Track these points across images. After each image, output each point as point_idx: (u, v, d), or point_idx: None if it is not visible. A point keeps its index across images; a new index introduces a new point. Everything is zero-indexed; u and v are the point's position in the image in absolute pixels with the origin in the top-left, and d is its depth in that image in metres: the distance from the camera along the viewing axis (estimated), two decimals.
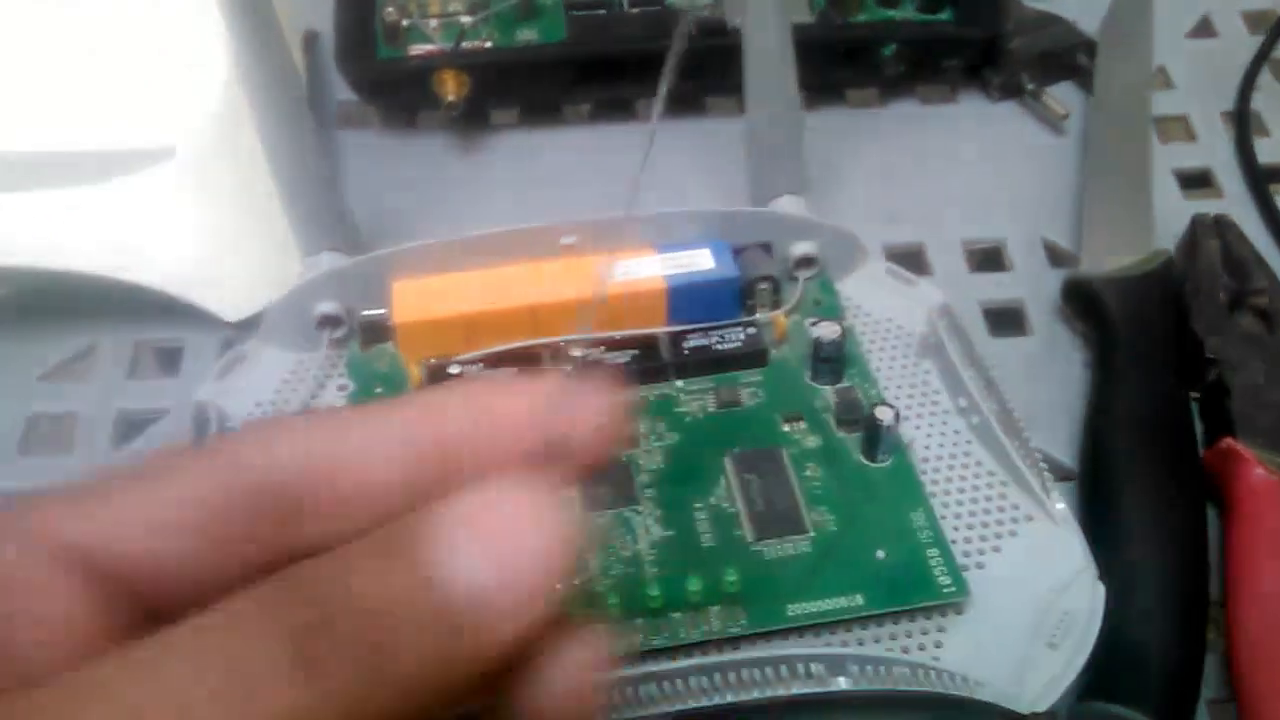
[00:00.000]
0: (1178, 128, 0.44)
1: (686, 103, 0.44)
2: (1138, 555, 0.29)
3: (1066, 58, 0.44)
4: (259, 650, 0.13)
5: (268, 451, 0.16)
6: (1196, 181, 0.43)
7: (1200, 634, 0.29)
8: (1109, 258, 0.37)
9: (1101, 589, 0.29)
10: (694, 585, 0.27)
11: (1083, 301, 0.36)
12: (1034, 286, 0.38)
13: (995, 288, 0.39)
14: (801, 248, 0.35)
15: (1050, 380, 0.36)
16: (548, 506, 0.15)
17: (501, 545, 0.15)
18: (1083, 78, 0.45)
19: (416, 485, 0.16)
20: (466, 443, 0.17)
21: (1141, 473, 0.31)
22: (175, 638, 0.13)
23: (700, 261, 0.34)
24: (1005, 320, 0.38)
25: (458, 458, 0.17)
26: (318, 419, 0.18)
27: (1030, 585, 0.29)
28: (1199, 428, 0.34)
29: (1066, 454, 0.34)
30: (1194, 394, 0.34)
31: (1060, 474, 0.33)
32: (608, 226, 0.34)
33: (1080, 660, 0.27)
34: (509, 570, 0.15)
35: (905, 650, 0.27)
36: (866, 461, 0.31)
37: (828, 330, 0.32)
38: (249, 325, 0.35)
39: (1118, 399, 0.33)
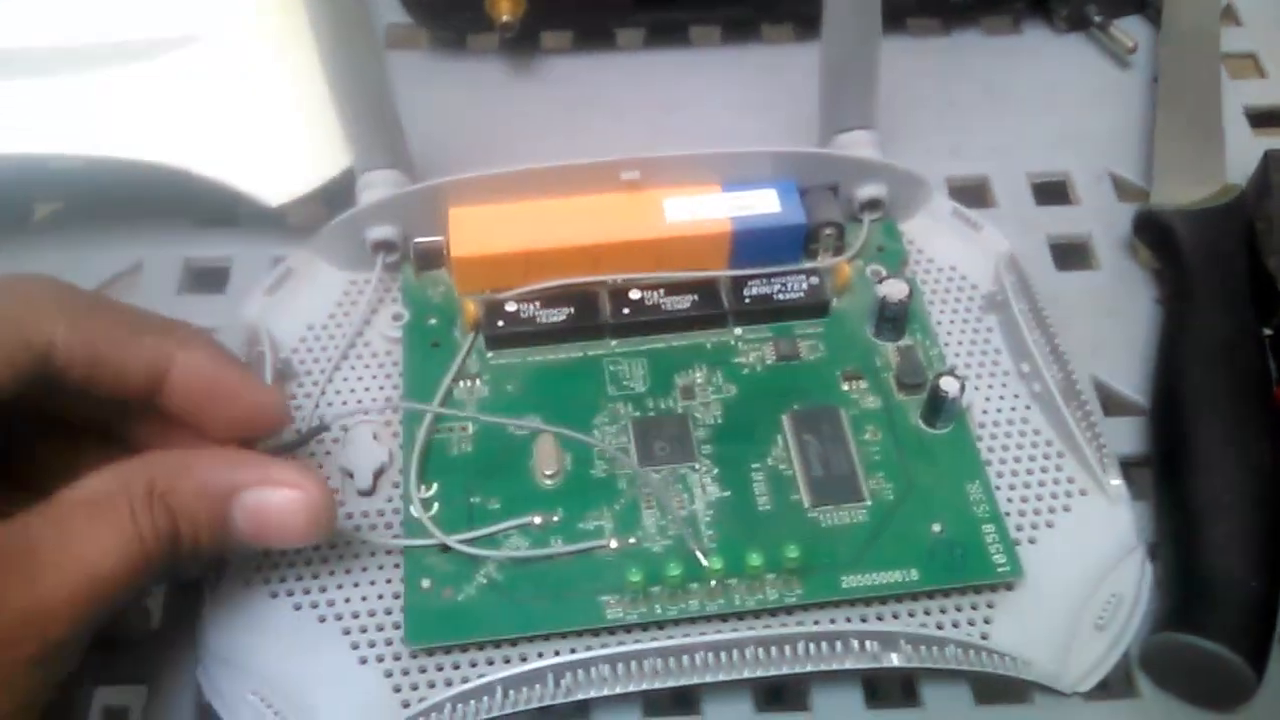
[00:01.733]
0: (1246, 65, 0.43)
1: (743, 30, 0.43)
2: (1214, 487, 0.29)
3: None
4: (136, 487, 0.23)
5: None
6: (1266, 119, 0.41)
7: (1277, 565, 0.28)
8: (1180, 192, 0.36)
9: (1150, 570, 0.29)
10: (754, 559, 0.27)
11: (1155, 235, 0.35)
12: (1102, 220, 0.38)
13: (1062, 221, 0.38)
14: (869, 190, 0.34)
15: (1118, 315, 0.35)
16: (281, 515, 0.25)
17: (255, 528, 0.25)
18: (1149, 11, 0.43)
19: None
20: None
21: (1218, 405, 0.31)
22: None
23: (766, 203, 0.33)
24: (1072, 254, 0.37)
25: None
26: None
27: (1080, 563, 0.29)
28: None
29: (1133, 389, 0.34)
30: (1267, 331, 0.34)
31: (1127, 409, 0.33)
32: (671, 162, 0.33)
33: (1125, 643, 0.28)
34: (249, 535, 0.25)
35: (955, 625, 0.28)
36: (925, 427, 0.31)
37: (895, 289, 0.31)
38: (298, 242, 0.34)
39: (1192, 331, 0.33)
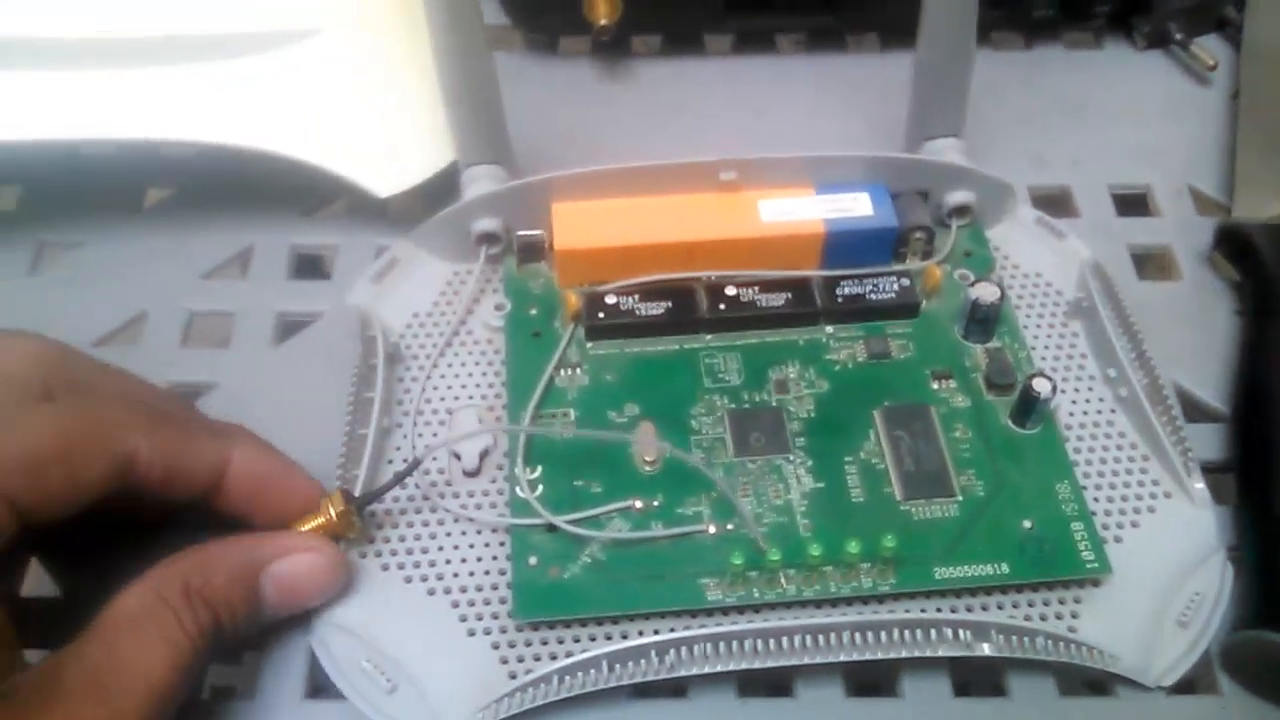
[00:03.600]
0: None
1: (828, 38, 0.44)
2: None
3: (1214, 10, 0.44)
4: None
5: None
6: None
7: None
8: (1261, 206, 0.37)
9: (1230, 571, 0.30)
10: (853, 548, 0.28)
11: (1236, 248, 0.36)
12: (1182, 233, 0.38)
13: (1143, 232, 0.39)
14: (958, 196, 0.35)
15: (1199, 324, 0.36)
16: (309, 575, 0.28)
17: (287, 593, 0.28)
18: (1230, 31, 0.44)
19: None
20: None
21: None
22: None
23: (859, 206, 0.34)
24: (1152, 265, 0.38)
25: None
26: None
27: (1164, 562, 0.30)
28: None
29: (1214, 396, 0.34)
30: None
31: (1207, 415, 0.34)
32: (768, 164, 0.34)
33: (1206, 640, 0.29)
34: (282, 603, 0.28)
35: (1044, 618, 0.29)
36: (1015, 427, 0.31)
37: (986, 292, 0.32)
38: (400, 231, 0.35)
39: (1276, 340, 0.33)
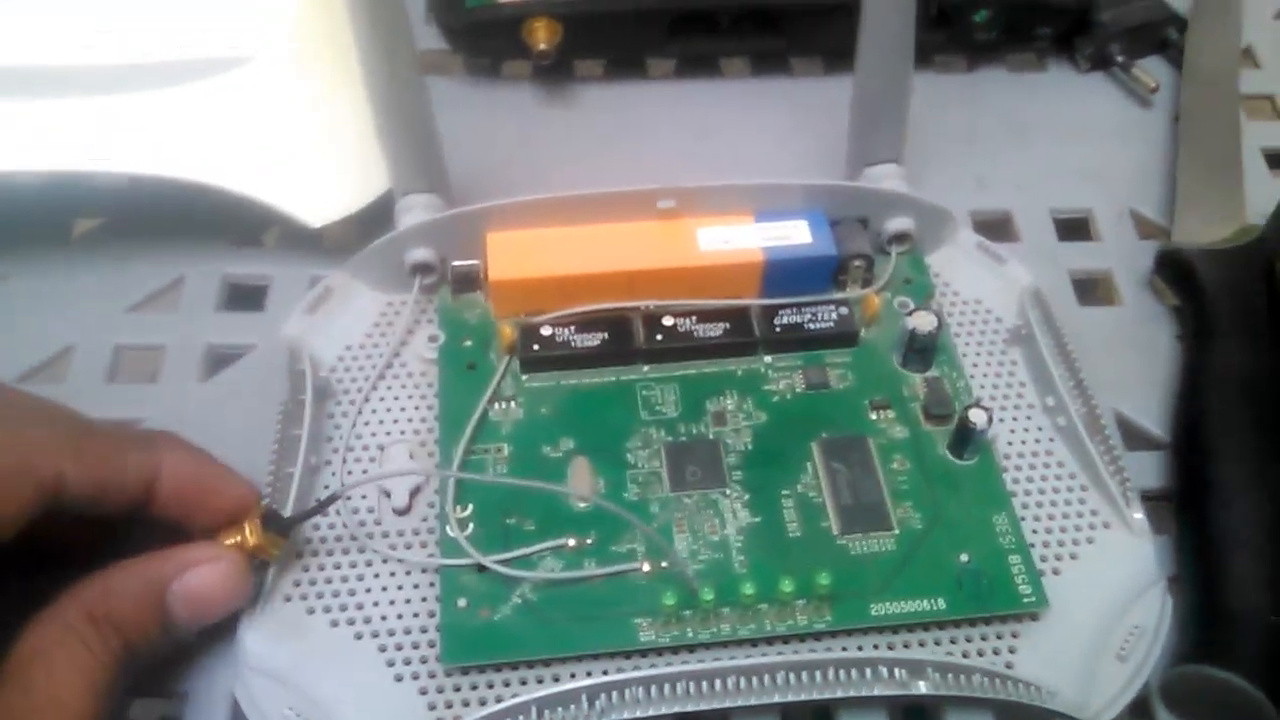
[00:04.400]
0: (1264, 107, 0.44)
1: (772, 63, 0.44)
2: (1235, 521, 0.30)
3: (1157, 32, 0.44)
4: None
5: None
6: None
7: None
8: (1201, 231, 0.37)
9: (1170, 603, 0.29)
10: (787, 585, 0.28)
11: (1176, 272, 0.36)
12: (1123, 257, 0.38)
13: (1084, 257, 0.39)
14: (898, 223, 0.35)
15: (1139, 350, 0.36)
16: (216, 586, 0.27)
17: (196, 606, 0.27)
18: (1172, 53, 0.44)
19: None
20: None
21: (1239, 440, 0.32)
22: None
23: (798, 234, 0.34)
24: (1093, 290, 0.38)
25: None
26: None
27: (1103, 595, 0.29)
28: None
29: (1154, 423, 0.34)
30: None
31: (1147, 443, 0.34)
32: (706, 192, 0.33)
33: (1145, 674, 0.28)
34: (191, 617, 0.27)
35: (981, 654, 0.28)
36: (953, 458, 0.31)
37: (924, 321, 0.32)
38: (335, 262, 0.35)
39: (1214, 367, 0.33)
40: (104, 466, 0.26)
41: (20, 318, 0.35)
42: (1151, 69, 0.43)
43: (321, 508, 0.29)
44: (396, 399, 0.33)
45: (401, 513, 0.30)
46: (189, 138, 0.35)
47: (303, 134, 0.36)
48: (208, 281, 0.36)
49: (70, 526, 0.27)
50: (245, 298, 0.36)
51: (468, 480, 0.30)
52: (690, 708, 0.27)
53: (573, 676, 0.28)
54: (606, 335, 0.33)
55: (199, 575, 0.27)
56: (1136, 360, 0.35)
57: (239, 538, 0.28)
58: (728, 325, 0.33)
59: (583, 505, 0.30)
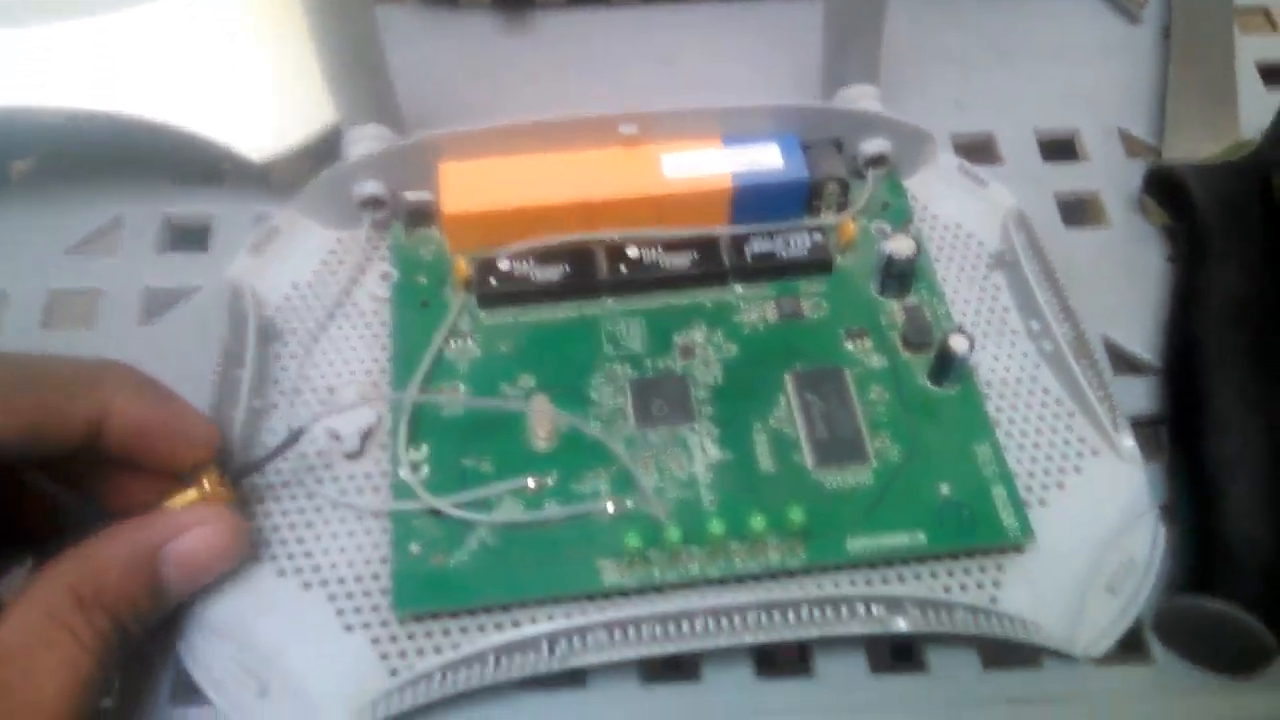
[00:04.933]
0: (1258, 20, 0.42)
1: None
2: (1231, 447, 0.28)
3: None
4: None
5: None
6: (1279, 74, 0.40)
7: None
8: (1193, 147, 0.35)
9: (1163, 532, 0.28)
10: (757, 522, 0.26)
11: (1167, 190, 0.35)
12: (1111, 177, 0.37)
13: (1070, 178, 0.37)
14: (873, 146, 0.33)
15: (1128, 273, 0.34)
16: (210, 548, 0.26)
17: (190, 572, 0.26)
18: None
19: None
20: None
21: (1234, 362, 0.30)
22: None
23: (768, 158, 0.32)
24: (1080, 212, 0.37)
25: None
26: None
27: (1092, 525, 0.28)
28: None
29: (1144, 348, 0.33)
30: None
31: (1137, 368, 0.32)
32: (670, 117, 0.32)
33: (1138, 607, 0.27)
34: (185, 583, 0.26)
35: (964, 589, 0.27)
36: (933, 387, 0.30)
37: (901, 246, 0.30)
38: (282, 199, 0.33)
39: (1207, 288, 0.32)
40: (41, 416, 0.24)
41: None
42: None
43: (283, 449, 0.27)
44: (347, 339, 0.31)
45: (353, 456, 0.29)
46: (126, 70, 0.33)
47: (244, 64, 0.34)
48: (148, 222, 0.34)
49: (23, 499, 0.26)
50: (187, 238, 0.35)
51: (427, 408, 0.29)
52: (657, 651, 0.25)
53: (533, 622, 0.26)
54: (567, 268, 0.31)
55: (194, 538, 0.25)
56: (1125, 283, 0.34)
57: (193, 493, 0.26)
58: (695, 255, 0.31)
59: (544, 444, 0.28)
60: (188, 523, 0.25)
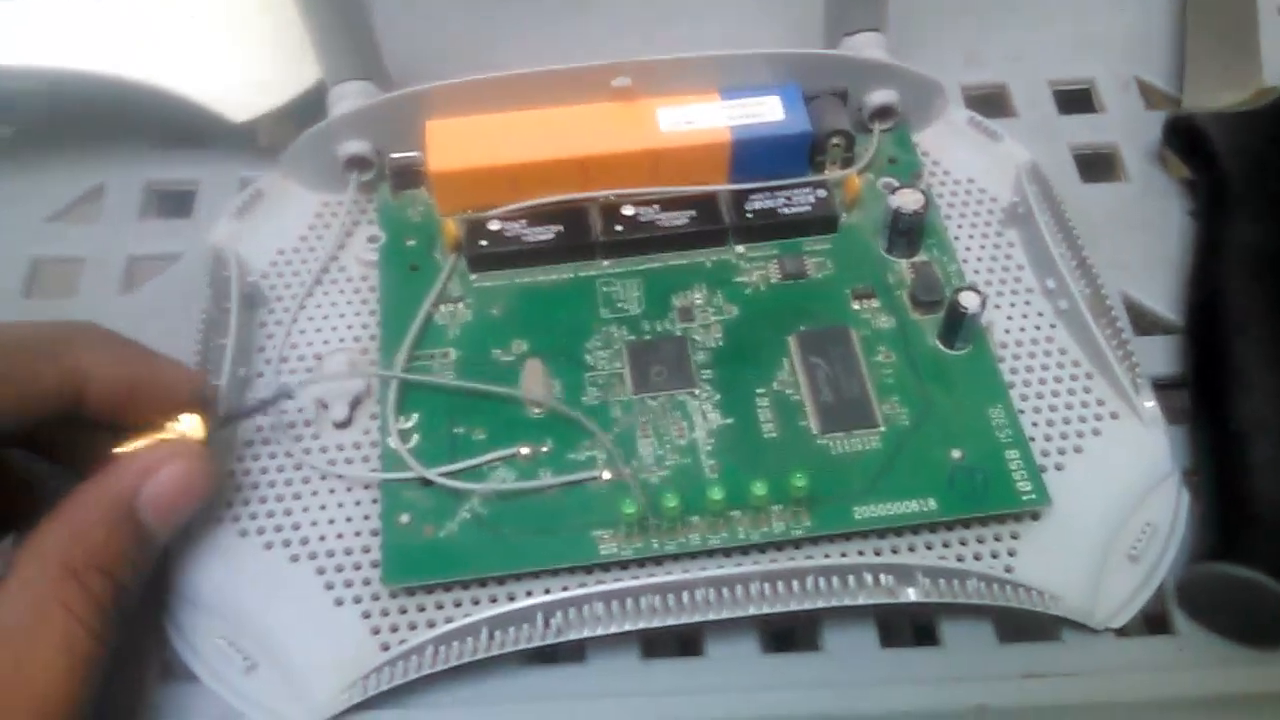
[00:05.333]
0: None
1: None
2: (1258, 407, 0.27)
3: None
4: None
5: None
6: None
7: None
8: (1214, 96, 0.34)
9: (1186, 497, 0.27)
10: (759, 489, 0.25)
11: (1188, 141, 0.33)
12: (1129, 129, 0.35)
13: (1086, 130, 0.35)
14: (880, 96, 0.32)
15: (1148, 228, 0.33)
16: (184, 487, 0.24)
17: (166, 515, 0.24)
18: None
19: None
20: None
21: (1260, 319, 0.28)
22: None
23: (769, 110, 0.30)
24: (1098, 165, 0.35)
25: None
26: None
27: (1112, 490, 0.27)
28: None
29: (1165, 306, 0.31)
30: None
31: (1158, 327, 0.31)
32: (666, 67, 0.30)
33: (1160, 575, 0.26)
34: (166, 526, 0.24)
35: (978, 558, 0.26)
36: (944, 348, 0.28)
37: (909, 200, 0.29)
38: (267, 164, 0.32)
39: (1231, 242, 0.30)
40: (15, 387, 0.23)
41: None
42: None
43: (270, 402, 0.26)
44: (334, 305, 0.30)
45: (341, 425, 0.28)
46: (106, 29, 0.32)
47: (224, 21, 0.33)
48: (130, 188, 0.33)
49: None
50: (171, 204, 0.33)
51: (413, 381, 0.28)
52: (656, 624, 0.24)
53: (528, 595, 0.25)
54: (561, 228, 0.30)
55: (165, 478, 0.24)
56: (1145, 238, 0.32)
57: (181, 433, 0.25)
58: (694, 213, 0.30)
59: (537, 411, 0.27)
60: (155, 463, 0.24)
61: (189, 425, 0.25)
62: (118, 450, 0.24)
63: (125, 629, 0.23)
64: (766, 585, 0.25)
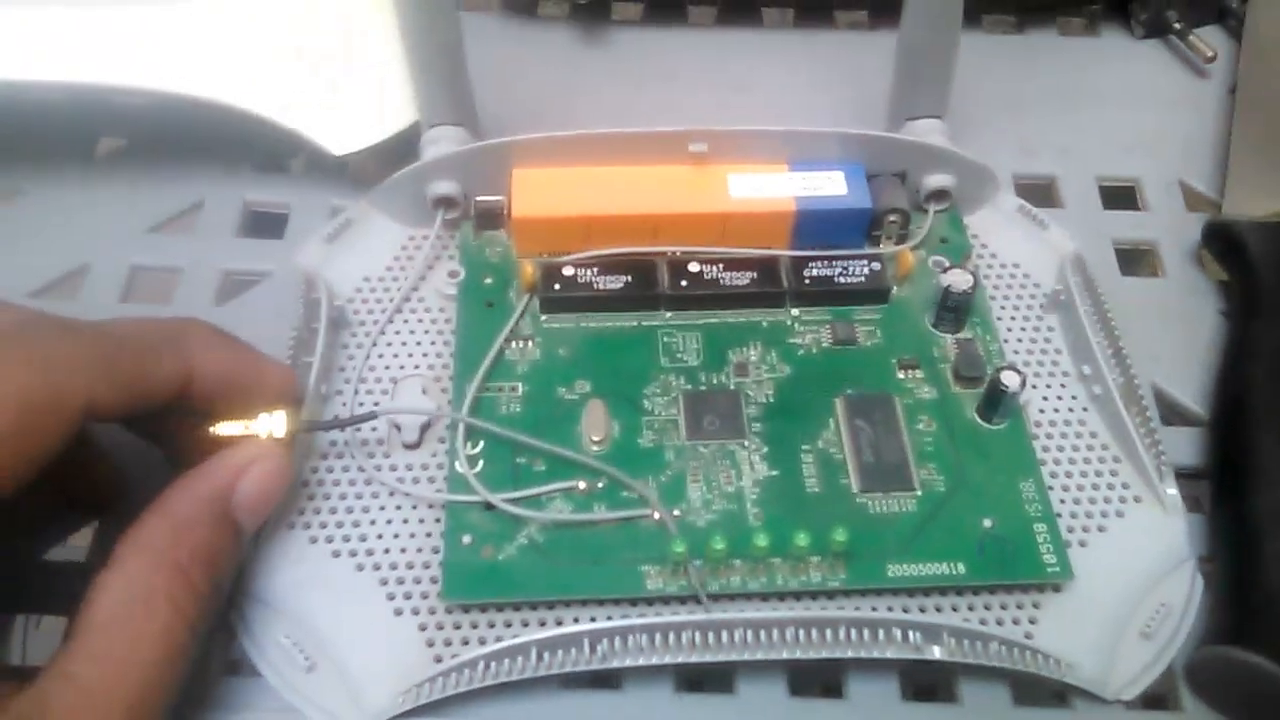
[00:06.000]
0: None
1: (815, 13, 0.42)
2: (1275, 501, 0.28)
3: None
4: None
5: None
6: None
7: None
8: (1254, 204, 0.36)
9: (1200, 582, 0.28)
10: (801, 540, 0.27)
11: (1225, 245, 0.35)
12: (1169, 229, 0.37)
13: (1129, 227, 0.37)
14: (937, 180, 0.34)
15: (1182, 324, 0.35)
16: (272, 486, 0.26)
17: (255, 513, 0.26)
18: (1230, 22, 0.43)
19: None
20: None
21: None
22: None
23: (833, 185, 0.32)
24: (1137, 260, 0.37)
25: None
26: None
27: (1130, 570, 0.28)
28: None
29: (1193, 399, 0.33)
30: None
31: (1185, 419, 0.33)
32: (741, 137, 0.32)
33: (1170, 654, 0.27)
34: (254, 524, 0.26)
35: (1000, 623, 0.27)
36: (981, 421, 0.30)
37: (959, 279, 0.31)
38: (357, 193, 0.34)
39: (1260, 343, 0.32)
40: (137, 380, 0.25)
41: (36, 234, 0.35)
42: (1209, 38, 0.41)
43: (355, 420, 0.28)
44: (413, 333, 0.32)
45: (411, 447, 0.30)
46: (214, 57, 0.35)
47: (331, 59, 0.35)
48: (228, 206, 0.36)
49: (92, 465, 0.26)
50: (265, 225, 0.36)
51: (484, 413, 0.29)
52: (695, 659, 0.26)
53: (575, 621, 0.27)
54: (630, 279, 0.32)
55: (255, 477, 0.25)
56: (1179, 333, 0.34)
57: (268, 429, 0.27)
58: (755, 275, 0.32)
59: (596, 448, 0.29)
60: (245, 463, 0.26)
61: (276, 421, 0.27)
62: (213, 432, 0.26)
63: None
64: (801, 631, 0.26)
